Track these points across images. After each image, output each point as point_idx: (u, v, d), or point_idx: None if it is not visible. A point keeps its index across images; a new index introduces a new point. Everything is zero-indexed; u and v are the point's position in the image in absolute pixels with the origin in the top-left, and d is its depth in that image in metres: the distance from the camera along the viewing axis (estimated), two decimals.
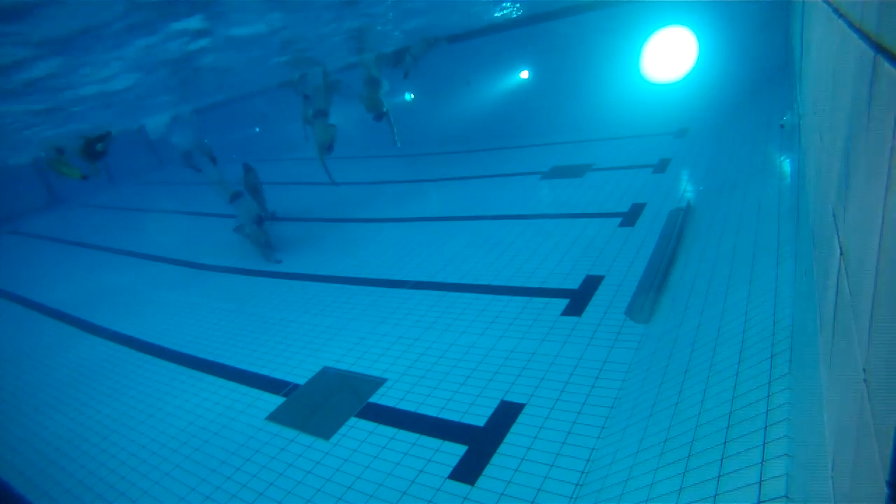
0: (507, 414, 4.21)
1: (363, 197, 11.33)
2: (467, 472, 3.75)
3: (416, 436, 4.22)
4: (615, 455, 3.38)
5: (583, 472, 3.47)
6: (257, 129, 20.01)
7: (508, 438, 3.95)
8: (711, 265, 5.03)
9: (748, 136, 8.45)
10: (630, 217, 7.35)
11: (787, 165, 5.80)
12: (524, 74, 13.40)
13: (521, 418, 4.12)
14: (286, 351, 6.00)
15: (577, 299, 5.59)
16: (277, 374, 5.57)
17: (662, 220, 6.91)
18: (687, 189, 7.97)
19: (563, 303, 5.60)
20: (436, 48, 11.55)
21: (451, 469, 3.80)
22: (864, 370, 0.95)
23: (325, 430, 4.55)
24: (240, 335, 6.66)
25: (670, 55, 10.81)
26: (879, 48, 0.89)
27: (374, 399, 4.80)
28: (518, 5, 10.19)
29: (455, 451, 3.96)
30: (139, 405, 5.62)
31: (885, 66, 0.85)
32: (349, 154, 15.79)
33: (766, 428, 2.56)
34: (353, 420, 4.59)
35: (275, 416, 4.90)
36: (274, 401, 5.14)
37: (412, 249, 8.19)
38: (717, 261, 5.03)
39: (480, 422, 4.20)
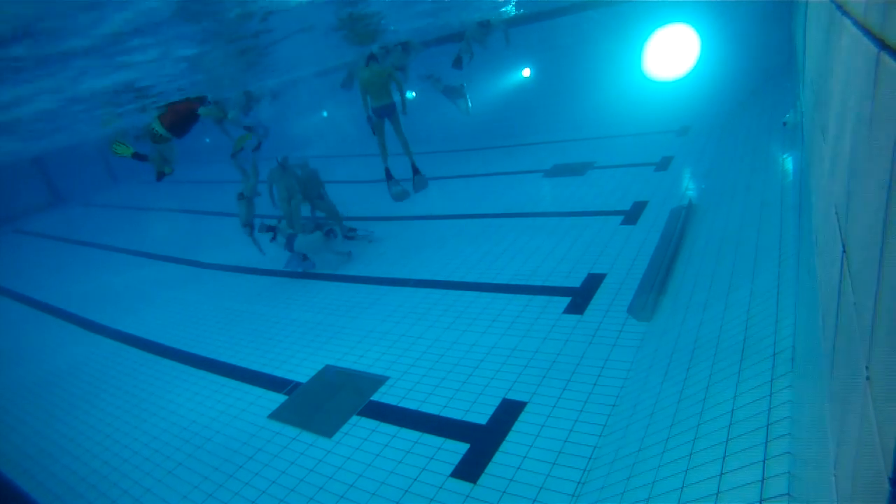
0: (509, 412, 4.21)
1: (363, 195, 11.33)
2: (469, 470, 3.75)
3: (419, 434, 4.23)
4: (617, 453, 3.38)
5: (585, 470, 3.47)
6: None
7: (510, 437, 3.96)
8: (714, 263, 5.02)
9: (750, 134, 8.44)
10: (632, 215, 7.34)
11: (789, 163, 5.78)
12: (526, 72, 13.37)
13: (524, 416, 4.12)
14: (288, 349, 6.01)
15: (579, 298, 5.59)
16: (279, 373, 5.58)
17: (664, 218, 6.90)
18: (689, 187, 7.96)
19: (564, 301, 5.59)
20: (493, 34, 10.97)
21: (453, 467, 3.81)
22: (866, 368, 0.95)
23: (327, 428, 4.56)
24: (242, 333, 6.67)
25: (672, 53, 10.78)
26: (883, 45, 0.88)
27: (375, 397, 4.80)
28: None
29: (457, 450, 3.96)
30: (142, 403, 5.63)
31: (889, 63, 0.84)
32: (348, 152, 15.82)
33: (768, 426, 2.56)
34: (354, 418, 4.60)
35: (277, 415, 4.91)
36: (276, 399, 5.15)
37: (413, 248, 8.20)
38: (720, 259, 5.02)
39: (482, 420, 4.20)
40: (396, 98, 8.07)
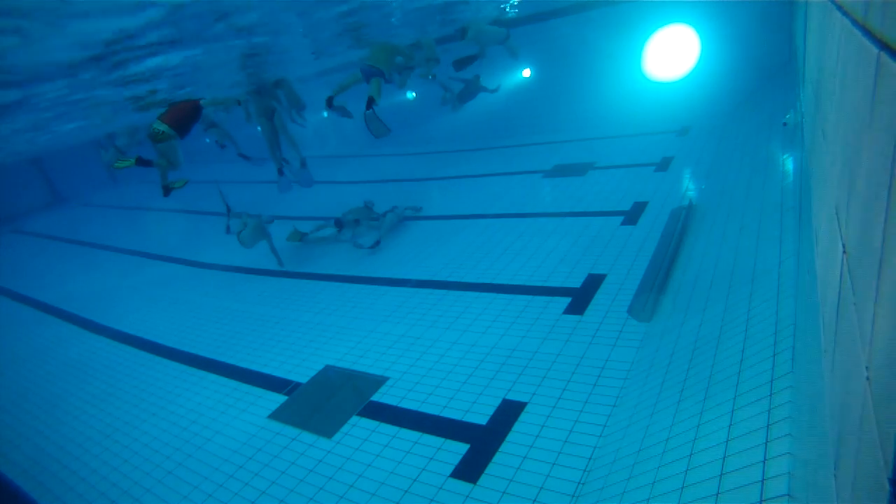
0: (509, 412, 4.21)
1: (363, 195, 11.33)
2: (469, 470, 3.75)
3: (419, 434, 4.23)
4: (617, 453, 3.38)
5: (585, 471, 3.47)
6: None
7: (510, 437, 3.95)
8: (713, 264, 5.02)
9: (751, 135, 8.44)
10: (632, 216, 7.33)
11: (789, 164, 5.78)
12: (526, 73, 13.38)
13: (524, 417, 4.12)
14: (288, 349, 6.01)
15: (579, 298, 5.59)
16: (279, 373, 5.58)
17: (664, 218, 6.89)
18: (689, 187, 7.96)
19: (565, 301, 5.59)
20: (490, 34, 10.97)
21: (453, 468, 3.81)
22: (866, 368, 0.95)
23: (327, 428, 4.56)
24: (241, 334, 6.67)
25: (672, 53, 10.78)
26: (883, 45, 0.88)
27: (375, 398, 4.80)
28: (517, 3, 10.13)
29: (457, 450, 3.96)
30: (142, 403, 5.63)
31: (889, 63, 0.85)
32: (346, 153, 15.83)
33: (768, 426, 2.56)
34: (354, 419, 4.60)
35: (277, 415, 4.91)
36: (276, 399, 5.15)
37: (413, 248, 8.20)
38: (720, 259, 5.02)
39: (482, 420, 4.20)
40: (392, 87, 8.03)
